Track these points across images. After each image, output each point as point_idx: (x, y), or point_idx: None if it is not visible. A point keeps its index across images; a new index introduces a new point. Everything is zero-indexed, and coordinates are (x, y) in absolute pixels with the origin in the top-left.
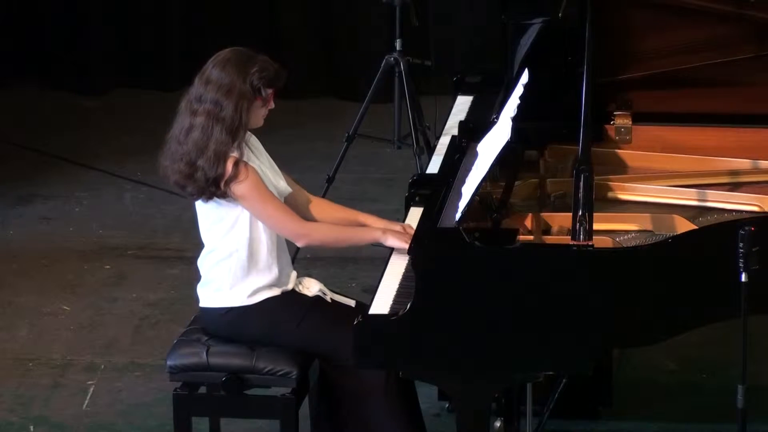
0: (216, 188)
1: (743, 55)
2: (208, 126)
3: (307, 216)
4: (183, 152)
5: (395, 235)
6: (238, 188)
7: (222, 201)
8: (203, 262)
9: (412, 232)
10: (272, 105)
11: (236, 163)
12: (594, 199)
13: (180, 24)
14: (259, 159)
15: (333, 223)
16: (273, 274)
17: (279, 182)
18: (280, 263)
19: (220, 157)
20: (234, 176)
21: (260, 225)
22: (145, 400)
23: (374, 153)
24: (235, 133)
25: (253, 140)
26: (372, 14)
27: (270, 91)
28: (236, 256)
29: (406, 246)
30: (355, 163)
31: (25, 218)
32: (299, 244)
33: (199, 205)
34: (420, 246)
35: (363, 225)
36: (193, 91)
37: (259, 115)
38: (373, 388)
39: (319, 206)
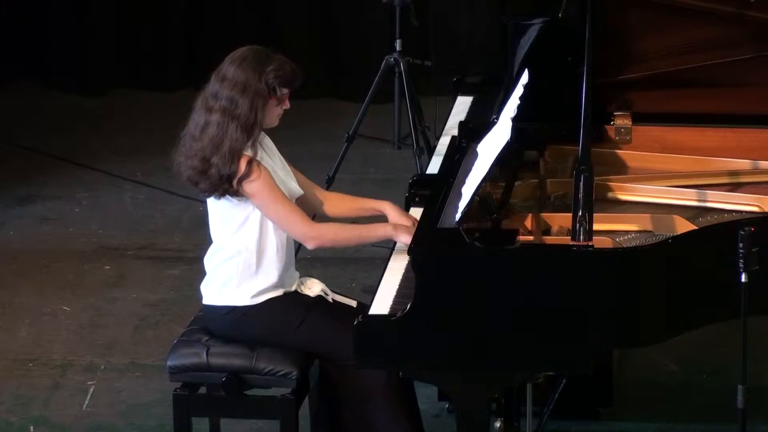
0: (229, 186)
1: (743, 55)
2: (223, 123)
3: (320, 213)
4: (198, 149)
5: (407, 231)
6: (250, 187)
7: (233, 199)
8: (210, 260)
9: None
10: (287, 105)
11: (249, 162)
12: (594, 200)
13: (180, 24)
14: (272, 159)
15: (348, 213)
16: (278, 275)
17: (291, 183)
18: (286, 264)
19: (235, 155)
20: (246, 175)
21: (270, 225)
22: (145, 400)
23: (374, 153)
24: (250, 131)
25: (267, 141)
26: (372, 14)
27: (285, 90)
28: (244, 255)
29: None
30: (355, 164)
31: (25, 218)
32: (309, 247)
33: (211, 203)
34: (420, 246)
35: (378, 211)
36: (209, 88)
37: (273, 115)
38: (373, 389)
39: (332, 202)
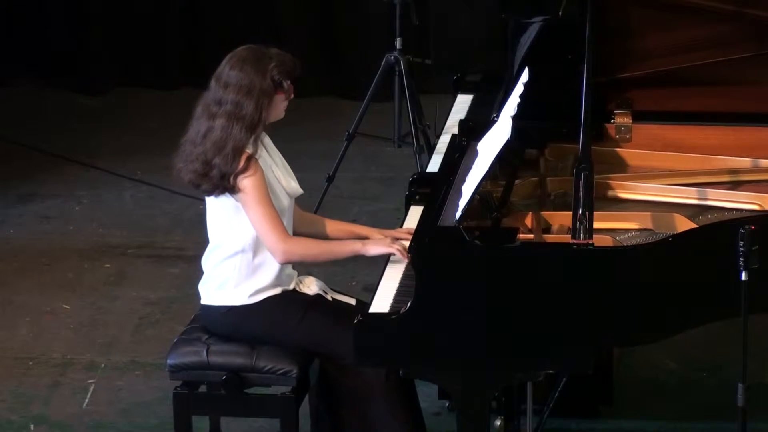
0: (228, 183)
1: (743, 54)
2: (228, 126)
3: (301, 231)
4: (198, 153)
5: (375, 243)
6: (243, 182)
7: (232, 197)
8: (207, 259)
9: (401, 237)
10: (292, 94)
11: (248, 158)
12: (594, 198)
13: (180, 24)
14: (272, 158)
15: (331, 236)
16: (276, 273)
17: (290, 182)
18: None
19: (237, 153)
20: (244, 170)
21: None
22: (145, 398)
23: (374, 152)
24: (253, 130)
25: (267, 139)
26: (372, 13)
27: (289, 81)
28: (242, 255)
29: (389, 250)
30: (355, 162)
31: (26, 217)
32: (277, 260)
33: (210, 201)
34: (420, 244)
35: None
36: (211, 95)
37: (280, 108)
38: (374, 387)
39: (317, 222)
